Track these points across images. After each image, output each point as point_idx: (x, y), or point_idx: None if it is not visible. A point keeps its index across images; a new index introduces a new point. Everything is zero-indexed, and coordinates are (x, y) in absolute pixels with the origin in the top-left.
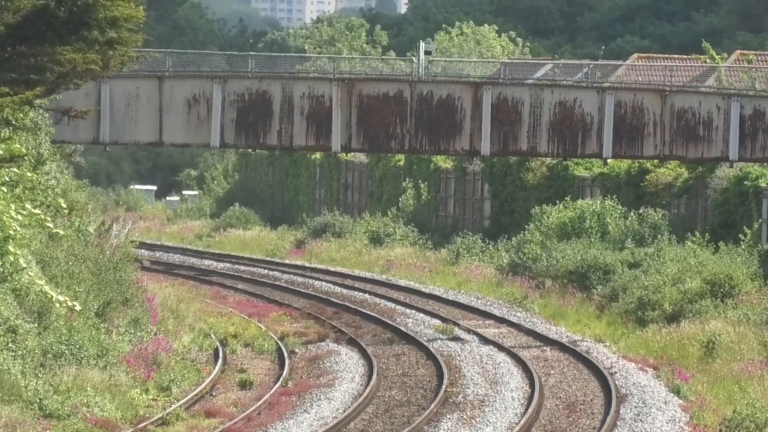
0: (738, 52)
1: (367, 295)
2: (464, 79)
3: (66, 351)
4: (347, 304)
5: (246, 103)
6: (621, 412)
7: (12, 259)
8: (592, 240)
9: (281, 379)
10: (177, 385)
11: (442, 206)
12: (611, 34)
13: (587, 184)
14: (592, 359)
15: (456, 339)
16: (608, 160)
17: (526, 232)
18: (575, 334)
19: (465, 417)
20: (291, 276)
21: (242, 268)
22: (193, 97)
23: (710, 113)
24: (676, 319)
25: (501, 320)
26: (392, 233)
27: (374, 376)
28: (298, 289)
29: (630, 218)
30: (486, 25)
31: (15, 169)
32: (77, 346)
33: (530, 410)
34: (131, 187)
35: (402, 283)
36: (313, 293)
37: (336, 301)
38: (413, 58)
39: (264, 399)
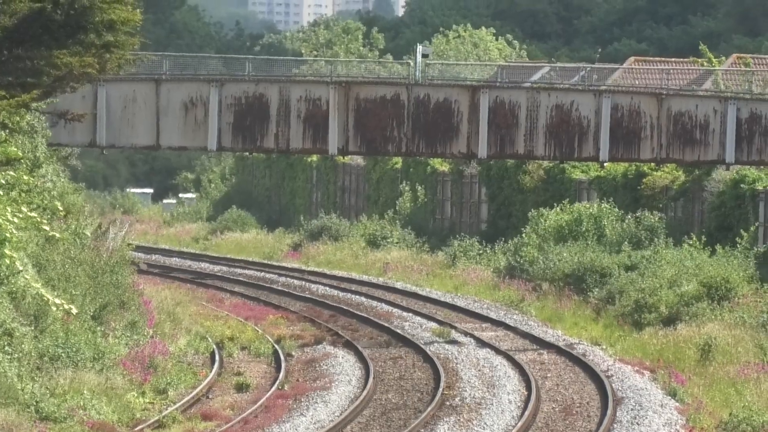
0: (735, 55)
1: (363, 298)
2: (461, 83)
3: (62, 354)
4: (344, 307)
5: (243, 107)
6: (617, 415)
7: (8, 262)
8: (589, 243)
9: (278, 382)
10: (173, 388)
11: (439, 209)
12: (608, 37)
13: (584, 187)
14: (588, 362)
15: (453, 342)
16: (605, 164)
17: (523, 235)
18: (572, 337)
19: (462, 420)
20: (287, 279)
21: (239, 271)
22: (190, 101)
23: (707, 116)
24: (672, 322)
25: (498, 323)
26: (389, 236)
27: (371, 379)
28: (294, 292)
29: (627, 221)
30: (483, 28)
31: (11, 172)
32: (74, 349)
33: (527, 413)
34: (128, 190)
35: (399, 286)
36: (309, 296)
37: (332, 304)
38: (410, 61)
39: (260, 402)
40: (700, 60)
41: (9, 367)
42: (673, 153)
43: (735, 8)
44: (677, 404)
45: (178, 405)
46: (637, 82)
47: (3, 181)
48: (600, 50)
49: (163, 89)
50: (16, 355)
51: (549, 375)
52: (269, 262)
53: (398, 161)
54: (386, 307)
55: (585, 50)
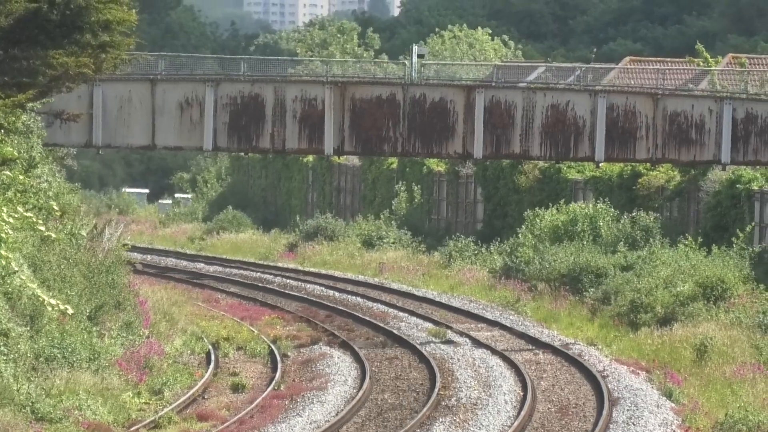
0: (730, 55)
1: (359, 299)
2: (457, 82)
3: (58, 354)
4: (340, 307)
5: (238, 107)
6: (613, 415)
7: (4, 262)
8: (585, 243)
9: (273, 382)
10: (169, 389)
11: (435, 209)
12: (603, 37)
13: (580, 188)
14: (584, 362)
15: (449, 342)
16: (600, 164)
17: (519, 236)
18: (567, 337)
19: (458, 420)
20: (283, 279)
21: (234, 271)
22: (186, 101)
23: (702, 116)
24: (668, 322)
25: (493, 323)
26: (385, 236)
27: (367, 380)
28: (290, 292)
29: (622, 221)
30: (479, 28)
31: (7, 172)
32: (69, 350)
33: (523, 413)
34: (123, 190)
35: (395, 286)
36: (305, 296)
37: (328, 304)
38: (406, 61)
39: (256, 402)
40: (695, 60)
41: (5, 367)
42: (669, 153)
43: (730, 8)
44: (673, 404)
45: (173, 405)
46: (632, 82)
47: None
48: (595, 50)
49: (158, 89)
50: (12, 356)
51: (545, 375)
52: (265, 263)
53: (394, 161)
54: (382, 308)
55: (580, 50)
